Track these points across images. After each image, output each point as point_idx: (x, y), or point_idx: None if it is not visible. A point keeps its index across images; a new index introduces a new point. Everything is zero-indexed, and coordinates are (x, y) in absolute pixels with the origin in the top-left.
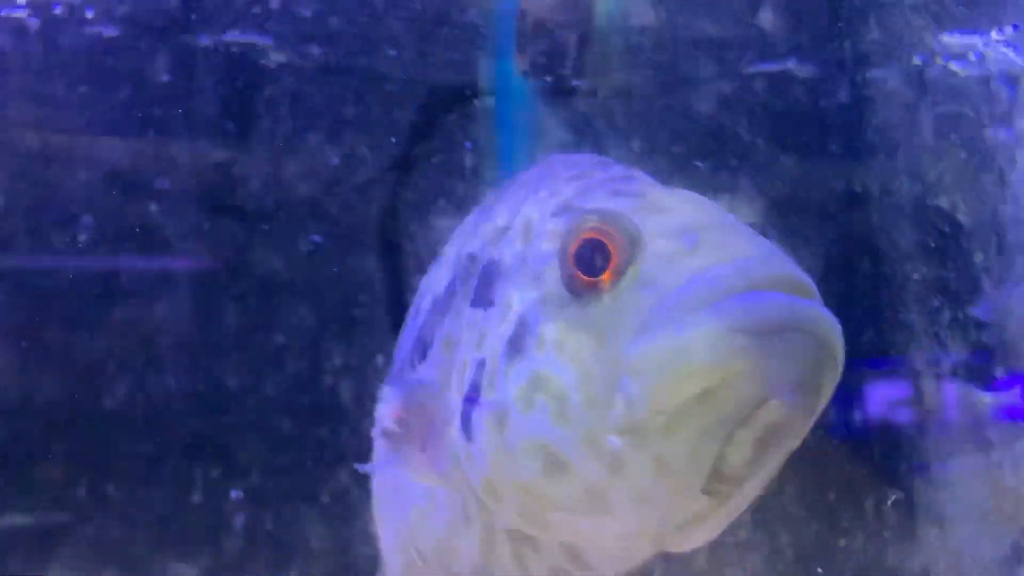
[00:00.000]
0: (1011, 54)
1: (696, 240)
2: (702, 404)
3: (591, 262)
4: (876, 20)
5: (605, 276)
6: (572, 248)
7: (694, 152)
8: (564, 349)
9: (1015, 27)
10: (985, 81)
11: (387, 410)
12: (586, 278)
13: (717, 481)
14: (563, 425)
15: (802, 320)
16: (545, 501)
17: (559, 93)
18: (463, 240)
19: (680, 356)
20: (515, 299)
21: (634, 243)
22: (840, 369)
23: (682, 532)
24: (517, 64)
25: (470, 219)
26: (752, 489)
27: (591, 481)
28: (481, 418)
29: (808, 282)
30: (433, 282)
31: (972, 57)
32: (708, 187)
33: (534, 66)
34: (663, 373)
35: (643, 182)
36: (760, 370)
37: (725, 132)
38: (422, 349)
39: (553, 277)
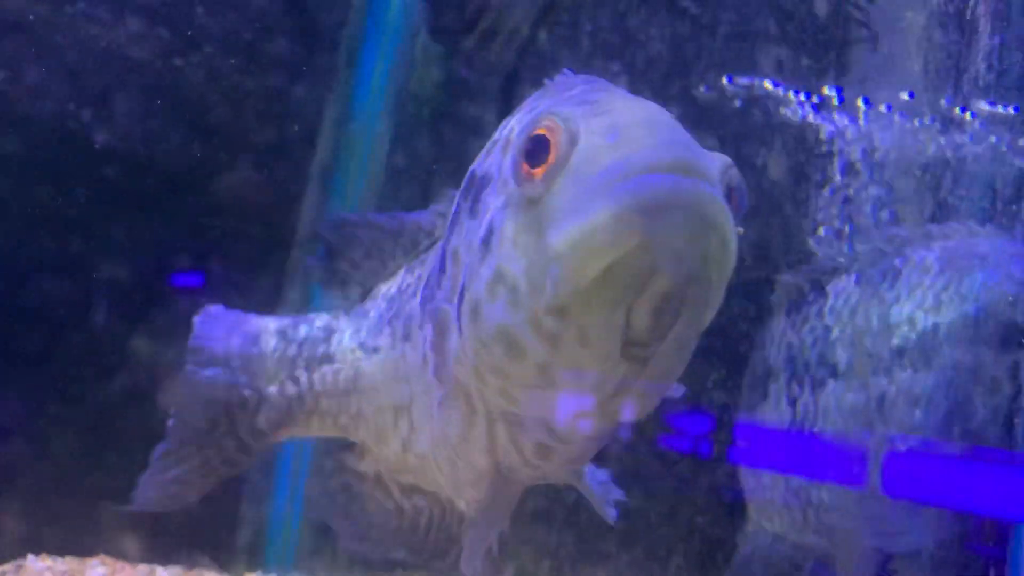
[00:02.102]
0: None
1: (617, 136)
2: (607, 278)
3: (536, 156)
4: None
5: (541, 168)
6: (523, 143)
7: None
8: (517, 243)
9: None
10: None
11: (428, 332)
12: (527, 167)
13: (629, 347)
14: (516, 311)
15: (683, 198)
16: (513, 380)
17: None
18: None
19: (585, 238)
20: (491, 205)
21: (572, 140)
22: (729, 244)
23: (620, 399)
24: None
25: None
26: (669, 359)
27: (539, 358)
28: (464, 313)
29: (703, 166)
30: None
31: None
32: None
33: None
34: (574, 254)
35: (610, 92)
36: (647, 244)
37: None
38: (442, 267)
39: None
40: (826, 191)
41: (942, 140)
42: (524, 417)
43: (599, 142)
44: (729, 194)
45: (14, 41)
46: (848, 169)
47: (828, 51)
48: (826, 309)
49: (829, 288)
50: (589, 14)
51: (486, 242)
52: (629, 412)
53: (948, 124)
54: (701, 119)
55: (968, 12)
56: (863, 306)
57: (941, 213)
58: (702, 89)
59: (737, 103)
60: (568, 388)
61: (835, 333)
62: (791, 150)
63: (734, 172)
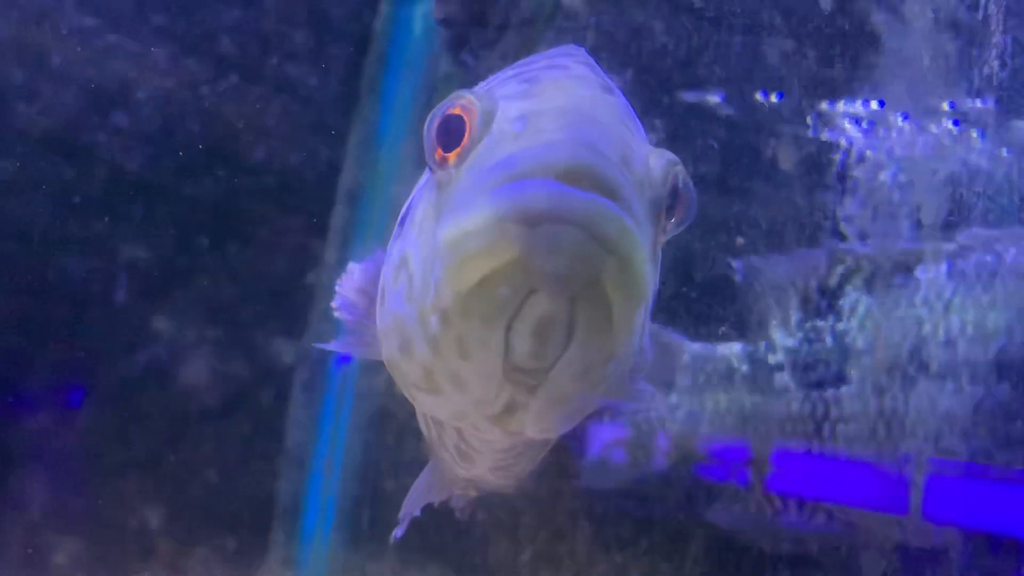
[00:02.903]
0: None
1: (526, 125)
2: (482, 288)
3: (450, 138)
4: None
5: (453, 153)
6: (437, 123)
7: None
8: (422, 230)
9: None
10: None
11: (345, 282)
12: (441, 151)
13: (513, 371)
14: (410, 303)
15: (570, 212)
16: (406, 378)
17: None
18: None
19: (462, 240)
20: (419, 183)
21: (487, 122)
22: (633, 266)
23: (512, 416)
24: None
25: None
26: (563, 387)
27: (425, 361)
28: (378, 297)
29: (611, 177)
30: None
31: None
32: None
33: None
34: (452, 256)
35: (560, 71)
36: (522, 259)
37: None
38: None
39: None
40: (838, 187)
41: (957, 140)
42: (443, 419)
43: (508, 129)
44: (674, 196)
45: None
46: (860, 166)
47: (835, 45)
48: (918, 298)
49: (919, 275)
50: (593, 8)
51: (402, 223)
52: (530, 430)
53: (962, 123)
54: (706, 112)
55: (980, 9)
56: (958, 304)
57: (958, 214)
58: (709, 83)
59: (745, 96)
60: (447, 397)
61: (927, 328)
62: (802, 143)
63: (679, 171)
